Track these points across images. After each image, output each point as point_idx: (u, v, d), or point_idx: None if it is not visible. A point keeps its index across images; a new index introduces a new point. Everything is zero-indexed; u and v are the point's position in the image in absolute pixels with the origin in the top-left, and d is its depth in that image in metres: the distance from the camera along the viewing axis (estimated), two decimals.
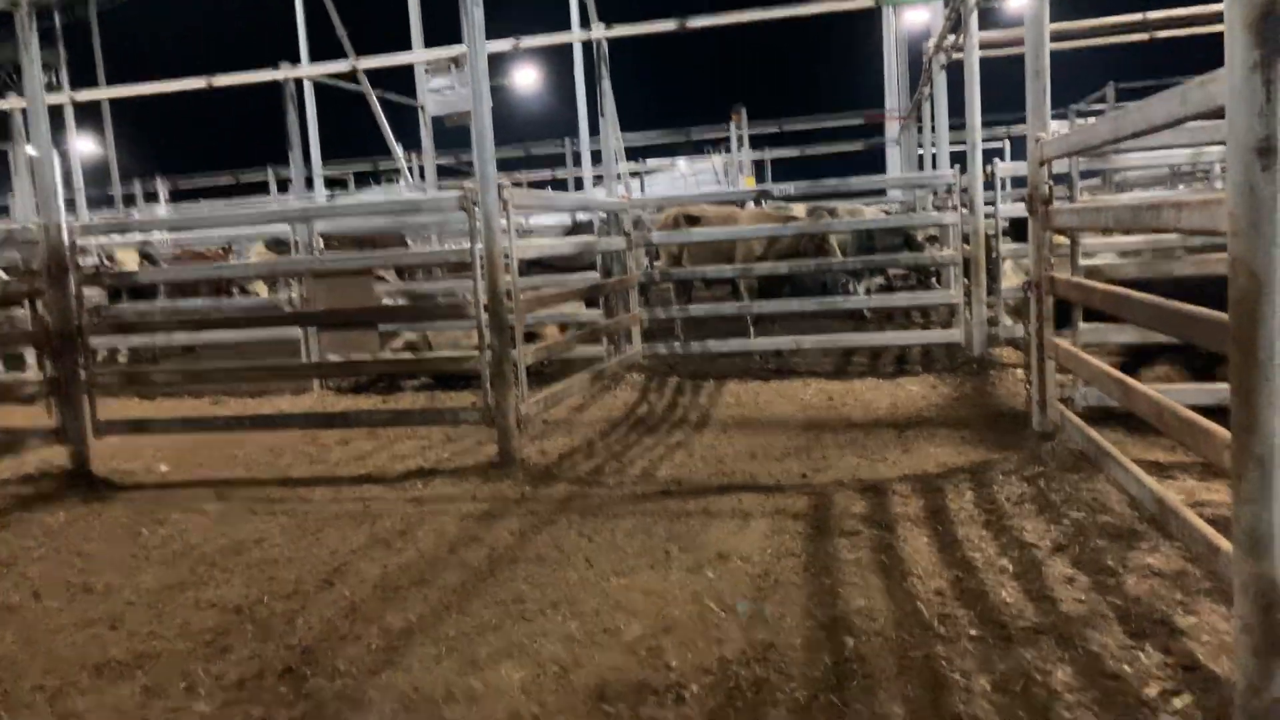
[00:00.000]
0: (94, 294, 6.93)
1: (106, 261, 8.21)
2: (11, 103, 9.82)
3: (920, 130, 13.06)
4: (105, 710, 3.03)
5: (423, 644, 3.39)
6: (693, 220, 8.86)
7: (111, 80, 16.07)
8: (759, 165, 17.76)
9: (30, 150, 10.26)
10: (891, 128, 16.11)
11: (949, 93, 9.90)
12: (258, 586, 4.07)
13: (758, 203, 10.25)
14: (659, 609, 3.55)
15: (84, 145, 16.02)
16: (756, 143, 18.01)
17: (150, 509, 5.41)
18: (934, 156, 11.95)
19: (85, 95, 11.11)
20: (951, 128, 10.16)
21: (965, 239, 8.01)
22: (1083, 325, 5.23)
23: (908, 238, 9.84)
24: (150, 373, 7.36)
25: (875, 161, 17.71)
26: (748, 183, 16.73)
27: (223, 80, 8.78)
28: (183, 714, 2.99)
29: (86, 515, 5.38)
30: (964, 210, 8.05)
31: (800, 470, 5.38)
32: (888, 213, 11.17)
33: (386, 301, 8.58)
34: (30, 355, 9.23)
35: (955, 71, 9.42)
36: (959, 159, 9.23)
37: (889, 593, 3.55)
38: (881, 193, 13.07)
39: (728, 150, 17.17)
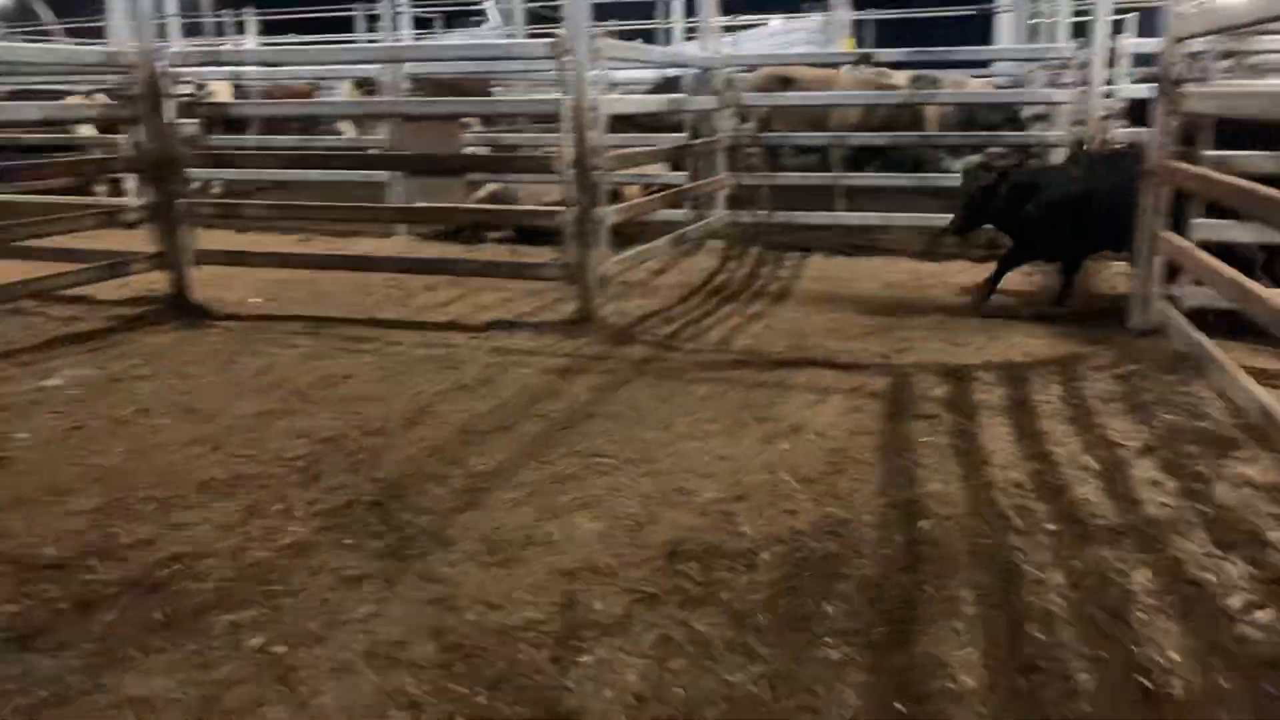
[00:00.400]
0: (190, 125, 6.99)
1: (199, 92, 8.24)
2: None
3: None
4: (210, 525, 3.23)
5: (503, 489, 3.52)
6: (787, 82, 8.48)
7: None
8: (859, 26, 16.80)
9: None
10: None
11: None
12: (346, 420, 4.24)
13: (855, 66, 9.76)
14: (732, 475, 3.60)
15: None
16: (858, 3, 17.00)
17: (245, 338, 5.62)
18: (1051, 27, 11.14)
19: None
20: None
21: (1078, 120, 7.54)
22: (1198, 221, 4.95)
23: (1012, 115, 9.30)
24: (245, 206, 7.50)
25: (984, 30, 16.57)
26: (846, 44, 15.91)
27: None
28: (279, 533, 3.17)
29: (187, 340, 5.62)
30: (1080, 88, 7.54)
31: (880, 350, 5.31)
32: (998, 88, 10.53)
33: (471, 150, 8.52)
34: (130, 182, 9.48)
35: None
36: (1080, 31, 8.59)
37: (965, 479, 3.53)
38: (985, 64, 12.30)
39: (826, 9, 16.25)
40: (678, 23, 12.27)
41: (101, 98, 9.80)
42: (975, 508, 3.29)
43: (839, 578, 2.84)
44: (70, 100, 10.27)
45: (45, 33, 20.84)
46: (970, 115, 9.12)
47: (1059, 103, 7.91)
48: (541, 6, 15.20)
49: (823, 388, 4.64)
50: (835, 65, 9.81)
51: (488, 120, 9.64)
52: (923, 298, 6.64)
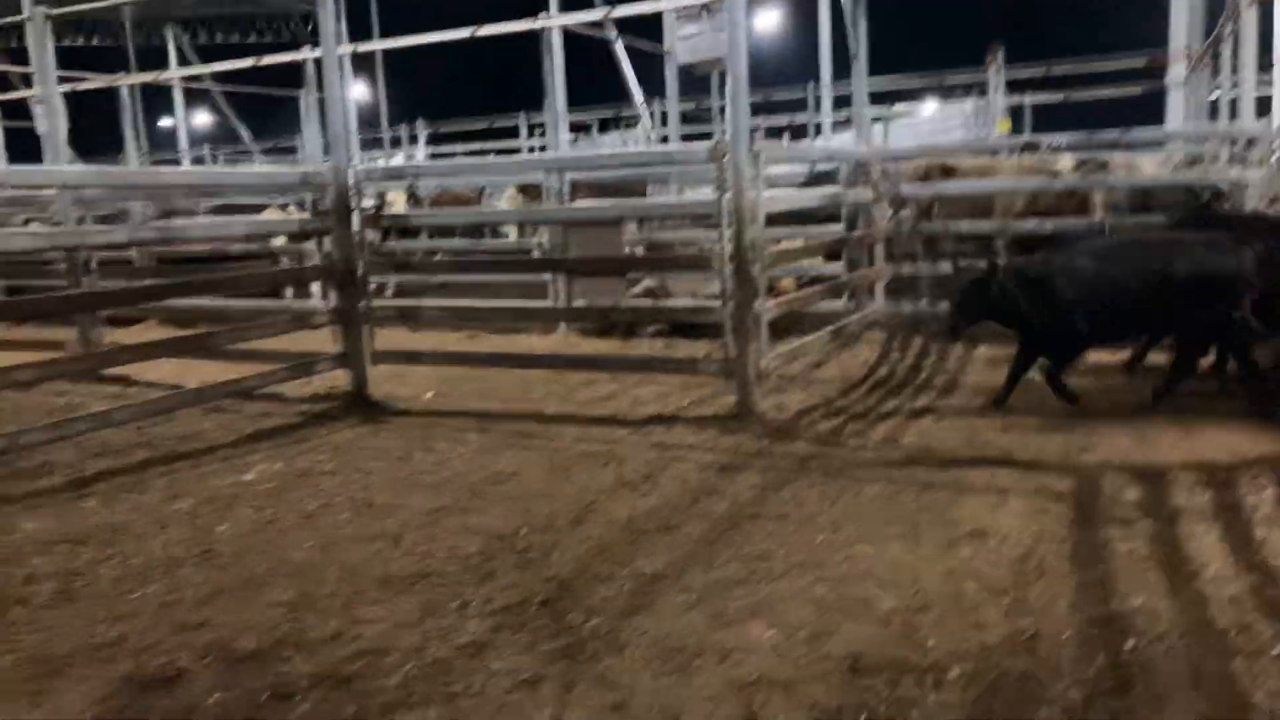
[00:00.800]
0: (370, 233, 7.54)
1: (376, 201, 8.88)
2: (304, 54, 10.82)
3: (1217, 73, 11.59)
4: (392, 622, 3.34)
5: (671, 592, 3.48)
6: (947, 172, 8.37)
7: (383, 31, 17.33)
8: (1015, 111, 16.47)
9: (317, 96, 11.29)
10: (1176, 70, 14.39)
11: (1260, 25, 8.69)
12: (516, 517, 4.33)
13: (1015, 154, 9.53)
14: (911, 582, 3.44)
15: (356, 91, 17.42)
16: (1014, 87, 16.70)
17: (419, 434, 5.88)
18: (1232, 103, 10.58)
19: (364, 47, 12.08)
20: (1260, 67, 8.94)
21: (1273, 199, 7.06)
22: None
23: (1191, 196, 8.80)
24: (421, 309, 7.96)
25: (1149, 109, 15.89)
26: (1001, 129, 15.61)
27: (486, 30, 9.20)
28: (457, 632, 3.24)
29: (366, 436, 5.94)
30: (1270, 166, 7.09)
31: (1062, 447, 5.02)
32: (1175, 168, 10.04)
33: (630, 247, 8.77)
34: (315, 286, 10.24)
35: (1267, 4, 8.24)
36: (1265, 107, 8.12)
37: (1173, 592, 3.25)
38: (1159, 145, 11.77)
39: (981, 95, 16.06)
40: (827, 117, 12.38)
41: (294, 211, 10.74)
42: (1188, 625, 3.01)
43: (1037, 701, 2.64)
44: (266, 214, 11.25)
45: (245, 151, 23.07)
46: (1146, 198, 8.68)
47: (1249, 182, 7.45)
48: (695, 109, 15.73)
49: (1002, 488, 4.41)
50: (994, 152, 9.62)
51: (641, 219, 9.93)
52: (1103, 387, 6.26)
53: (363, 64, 16.23)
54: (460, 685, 2.87)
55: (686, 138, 14.32)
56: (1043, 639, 2.97)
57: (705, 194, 5.89)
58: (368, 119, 19.28)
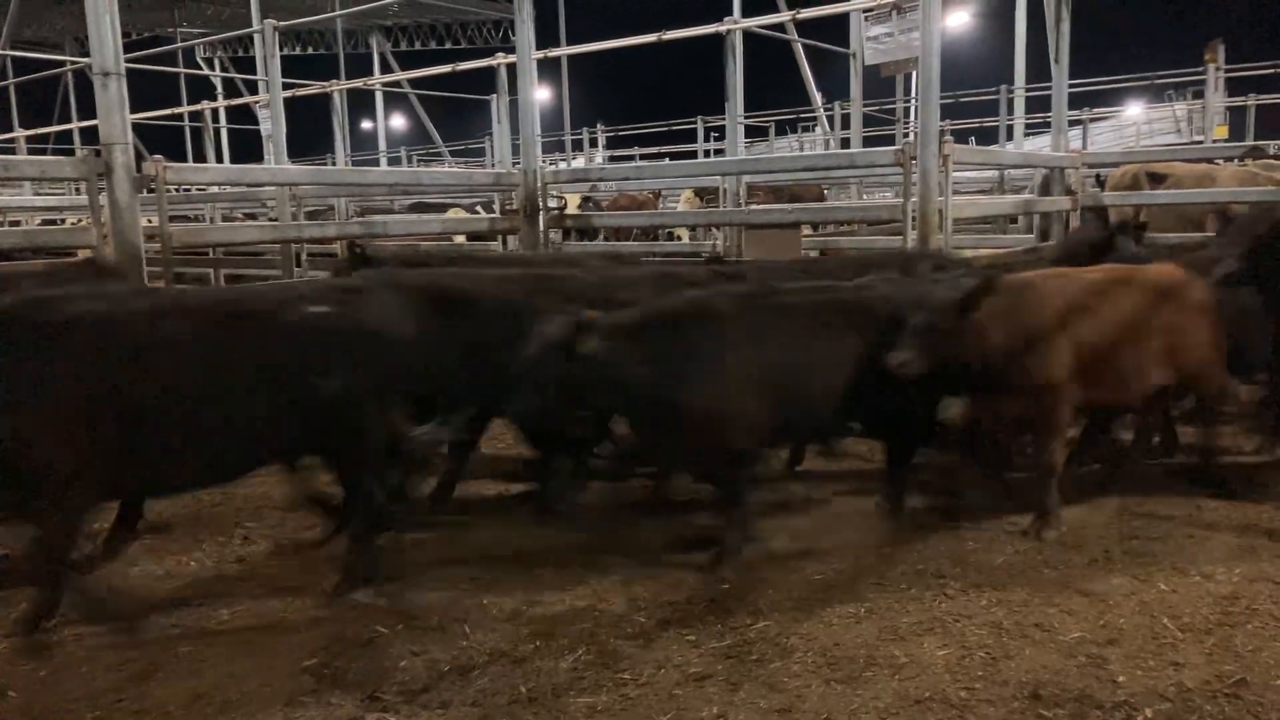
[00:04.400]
0: (553, 233, 7.81)
1: (559, 202, 9.19)
2: (497, 59, 11.32)
3: None
4: (564, 605, 3.45)
5: (841, 602, 3.44)
6: (1156, 179, 7.80)
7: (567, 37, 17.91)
8: (1236, 113, 15.10)
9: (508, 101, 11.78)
10: None
11: None
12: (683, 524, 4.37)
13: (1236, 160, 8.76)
14: (1100, 614, 3.26)
15: (540, 95, 18.05)
16: (1234, 86, 15.34)
17: None
18: None
19: (555, 52, 12.51)
20: None
21: None
22: None
23: None
24: None
25: None
26: (1218, 133, 14.39)
27: (672, 35, 9.33)
28: (626, 622, 3.32)
29: None
30: None
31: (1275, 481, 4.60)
32: None
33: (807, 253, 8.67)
34: None
35: None
36: None
37: None
38: None
39: (1196, 95, 14.85)
40: (1020, 119, 11.82)
41: (480, 211, 11.27)
42: None
43: None
44: (451, 214, 11.85)
45: (436, 152, 24.38)
46: None
47: None
48: (876, 111, 15.36)
49: (1207, 522, 4.09)
50: (1210, 160, 8.89)
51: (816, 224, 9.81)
52: None
53: (546, 68, 16.82)
54: (629, 675, 2.95)
55: (868, 141, 14.01)
56: (1250, 686, 2.75)
57: (887, 198, 5.75)
58: (549, 122, 19.96)
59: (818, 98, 15.06)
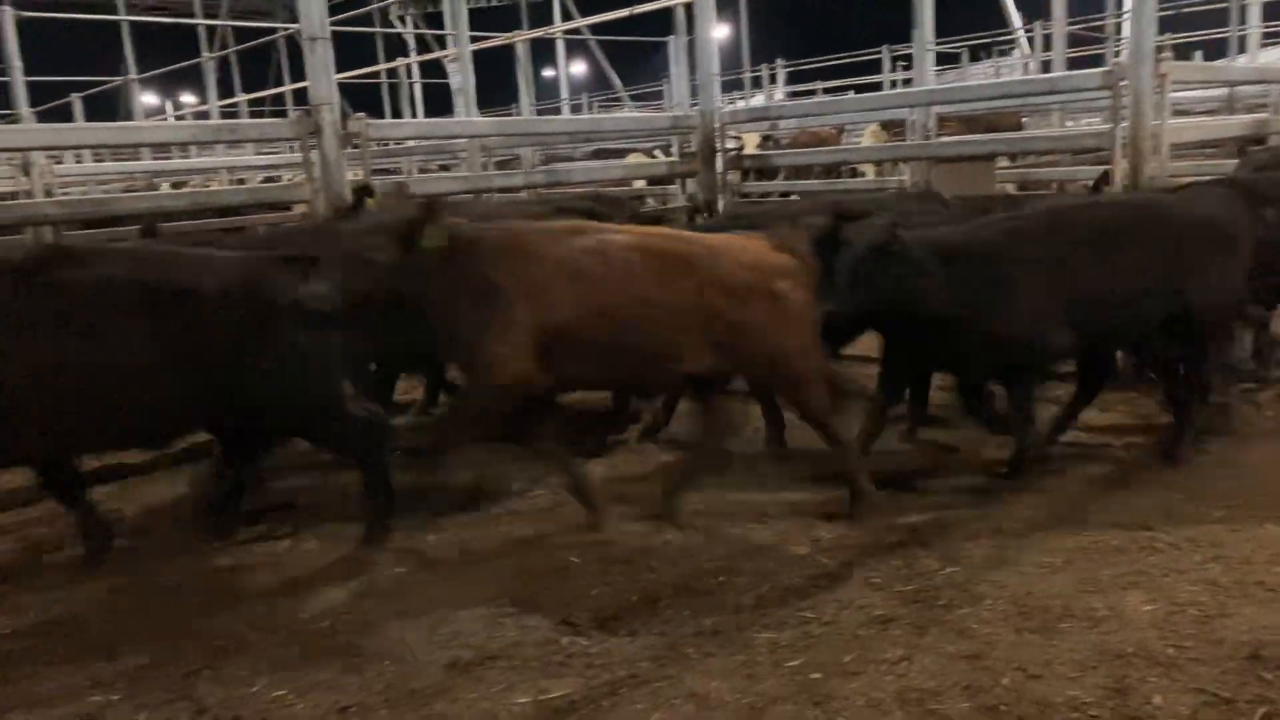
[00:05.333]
0: (731, 174, 7.73)
1: (737, 143, 9.06)
2: (675, 0, 11.23)
3: None
4: (747, 543, 3.51)
5: (1035, 551, 3.31)
6: None
7: None
8: None
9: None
10: None
11: None
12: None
13: None
14: None
15: (718, 33, 17.70)
16: None
17: None
18: None
19: None
20: None
21: None
22: None
23: None
24: None
25: None
26: None
27: None
28: (808, 563, 3.33)
29: None
30: None
31: None
32: None
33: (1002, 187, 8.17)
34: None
35: None
36: None
37: None
38: None
39: None
40: (1255, 28, 10.52)
41: (659, 155, 11.30)
42: None
43: None
44: (630, 159, 11.95)
45: (615, 98, 24.57)
46: None
47: None
48: (1083, 29, 14.13)
49: None
50: None
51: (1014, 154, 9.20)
52: None
53: (724, 5, 16.49)
54: (812, 613, 2.97)
55: (1072, 64, 12.93)
56: None
57: (1094, 124, 5.32)
58: (728, 60, 19.62)
59: (1016, 18, 14.04)
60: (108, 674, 2.81)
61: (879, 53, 16.09)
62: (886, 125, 10.53)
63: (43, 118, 13.42)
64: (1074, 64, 13.03)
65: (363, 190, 4.69)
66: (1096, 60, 13.47)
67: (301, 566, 3.51)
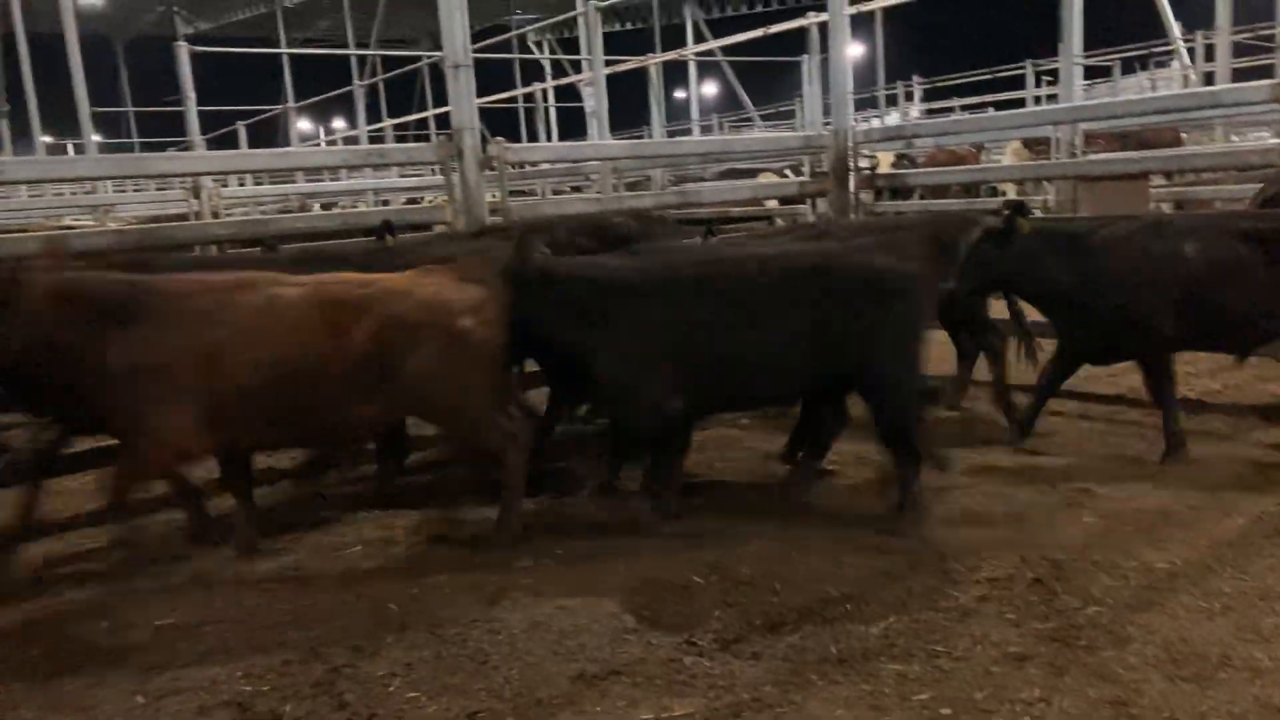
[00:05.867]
0: (864, 194, 7.61)
1: (871, 162, 8.93)
2: (809, 19, 11.20)
3: None
4: (876, 571, 3.43)
5: (1189, 594, 3.12)
6: None
7: None
8: None
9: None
10: None
11: None
12: (995, 488, 4.15)
13: None
14: None
15: (852, 50, 17.45)
16: None
17: None
18: None
19: (867, 6, 12.14)
20: None
21: None
22: None
23: None
24: None
25: None
26: None
27: None
28: (940, 594, 3.23)
29: None
30: None
31: None
32: None
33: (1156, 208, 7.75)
34: None
35: None
36: None
37: None
38: None
39: None
40: None
41: (789, 175, 11.23)
42: None
43: None
44: (762, 178, 11.91)
45: (746, 118, 24.56)
46: None
47: None
48: (1249, 38, 13.25)
49: None
50: None
51: (1172, 173, 8.70)
52: None
53: (859, 23, 16.30)
54: (943, 647, 2.88)
55: (1238, 75, 12.15)
56: None
57: (1263, 139, 4.98)
58: (861, 78, 19.33)
59: (1175, 27, 13.28)
60: (258, 667, 2.98)
61: (1021, 68, 15.52)
62: (1029, 143, 10.16)
63: (211, 145, 14.51)
64: (1240, 76, 12.23)
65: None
66: (1264, 71, 12.61)
67: (436, 569, 3.63)
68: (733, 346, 3.79)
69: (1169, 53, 15.22)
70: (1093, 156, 7.20)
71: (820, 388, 4.03)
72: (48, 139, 18.98)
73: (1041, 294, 4.50)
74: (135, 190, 16.48)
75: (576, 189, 13.15)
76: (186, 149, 11.87)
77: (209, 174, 8.41)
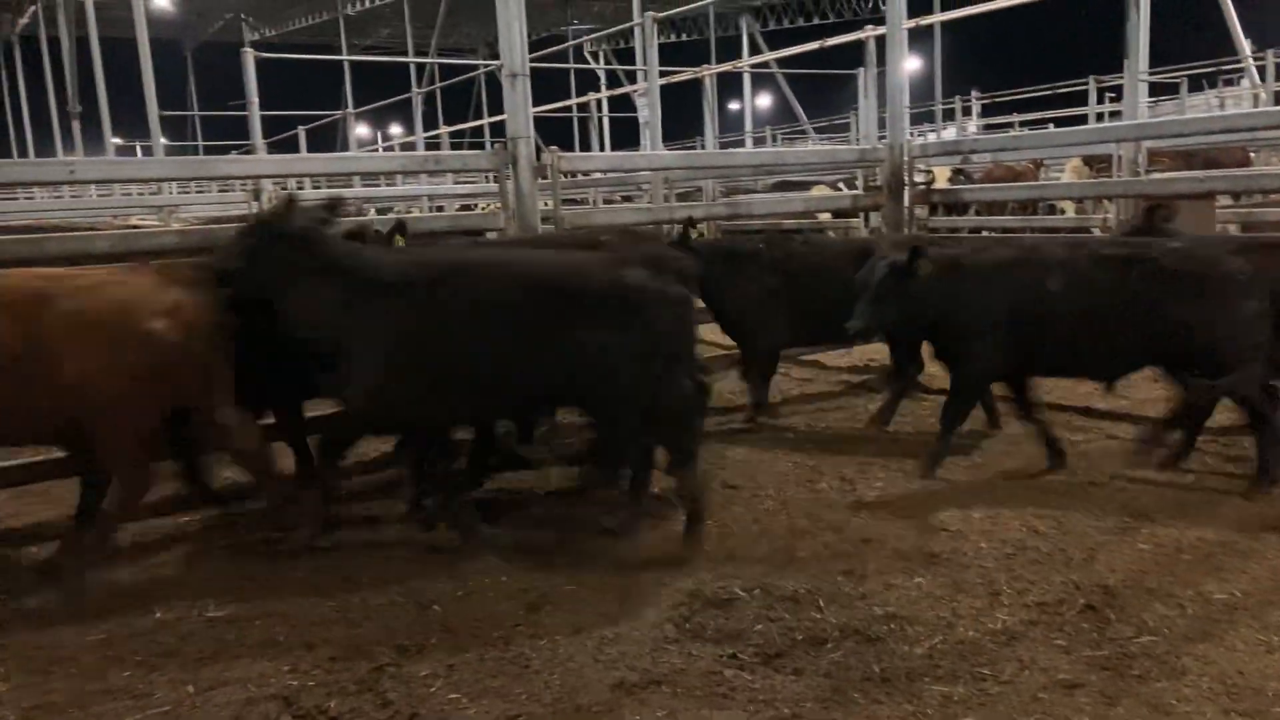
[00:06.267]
0: (919, 209, 7.54)
1: (927, 177, 8.84)
2: (866, 33, 11.14)
3: None
4: (919, 592, 3.38)
5: (1248, 626, 3.03)
6: None
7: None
8: None
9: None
10: None
11: None
12: (1051, 513, 4.06)
13: None
14: None
15: (910, 64, 17.27)
16: None
17: None
18: None
19: (926, 20, 12.03)
20: None
21: None
22: None
23: None
24: None
25: None
26: None
27: None
28: (987, 616, 3.18)
29: (900, 409, 5.97)
30: None
31: None
32: None
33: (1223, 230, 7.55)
34: None
35: None
36: None
37: None
38: None
39: None
40: None
41: (843, 188, 11.17)
42: None
43: None
44: (815, 191, 11.86)
45: (799, 130, 24.48)
46: None
47: None
48: None
49: None
50: None
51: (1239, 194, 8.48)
52: None
53: (916, 37, 16.16)
54: (989, 670, 2.83)
55: None
56: None
57: None
58: (918, 92, 19.13)
59: (1245, 45, 12.97)
60: (304, 662, 3.03)
61: (1084, 84, 15.24)
62: (1090, 160, 9.98)
63: (272, 148, 14.86)
64: None
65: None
66: None
67: (480, 573, 3.66)
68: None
69: (1238, 71, 14.87)
70: (1155, 175, 7.04)
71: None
72: (117, 140, 19.61)
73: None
74: (199, 191, 16.95)
75: (628, 198, 13.22)
76: (248, 152, 12.17)
77: (270, 177, 8.61)
